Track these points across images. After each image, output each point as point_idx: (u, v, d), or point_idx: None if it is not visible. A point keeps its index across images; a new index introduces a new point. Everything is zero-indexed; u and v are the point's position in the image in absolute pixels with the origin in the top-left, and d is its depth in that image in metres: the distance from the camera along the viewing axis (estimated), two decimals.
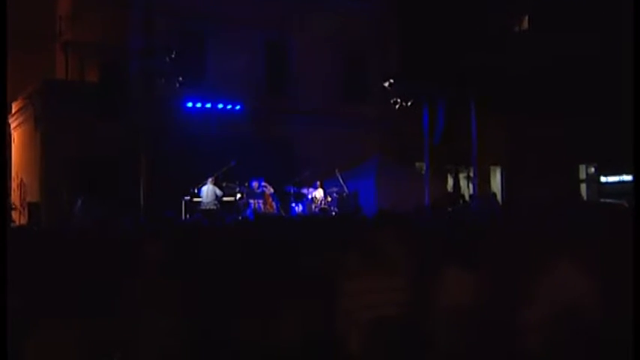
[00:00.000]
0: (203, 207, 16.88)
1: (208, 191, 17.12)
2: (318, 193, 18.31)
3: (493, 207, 16.54)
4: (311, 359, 3.85)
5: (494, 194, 22.88)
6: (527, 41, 23.69)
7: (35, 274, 3.80)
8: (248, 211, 16.83)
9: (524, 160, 23.43)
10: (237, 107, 20.00)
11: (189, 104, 19.27)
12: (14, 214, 18.34)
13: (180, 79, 17.53)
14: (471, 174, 22.01)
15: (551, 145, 22.32)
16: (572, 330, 3.45)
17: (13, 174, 21.13)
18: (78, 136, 17.79)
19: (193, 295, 3.94)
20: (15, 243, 4.15)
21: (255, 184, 17.38)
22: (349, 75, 23.44)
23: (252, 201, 17.18)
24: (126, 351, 3.76)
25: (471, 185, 22.65)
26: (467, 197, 22.34)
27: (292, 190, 18.25)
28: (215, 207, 16.93)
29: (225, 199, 17.35)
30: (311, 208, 17.99)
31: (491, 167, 25.35)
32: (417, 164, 22.67)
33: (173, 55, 17.06)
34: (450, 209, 15.58)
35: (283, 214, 17.12)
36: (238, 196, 17.39)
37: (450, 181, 24.36)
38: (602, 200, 20.20)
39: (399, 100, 19.54)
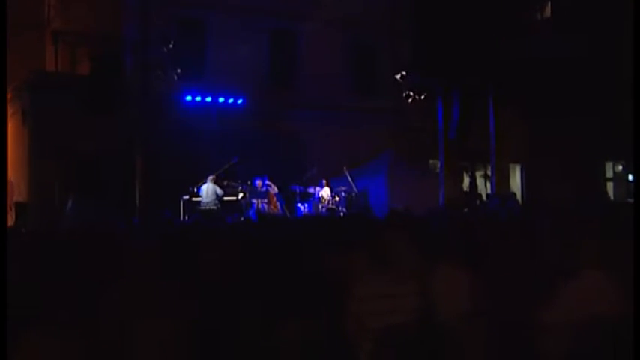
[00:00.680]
0: (203, 207, 16.91)
1: (208, 190, 17.15)
2: (325, 193, 18.31)
3: (512, 207, 16.49)
4: None
5: (514, 194, 22.78)
6: (550, 30, 23.59)
7: (23, 278, 3.82)
8: (251, 212, 16.85)
9: (546, 158, 23.30)
10: (240, 101, 19.98)
11: (188, 98, 19.27)
12: None
13: (179, 70, 17.56)
14: (489, 172, 21.96)
15: (576, 142, 22.22)
16: (594, 335, 3.45)
17: None
18: (69, 131, 17.70)
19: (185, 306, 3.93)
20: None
21: (258, 182, 17.39)
22: (359, 67, 23.30)
23: (255, 201, 17.21)
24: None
25: (488, 184, 22.60)
26: (484, 197, 22.28)
27: (298, 190, 18.28)
28: (216, 207, 16.96)
29: (226, 198, 17.37)
30: (318, 208, 18.00)
31: (511, 165, 25.25)
32: (431, 162, 22.61)
33: (171, 46, 17.11)
34: (466, 210, 15.56)
35: (288, 215, 17.15)
36: (240, 195, 17.43)
37: (466, 180, 24.29)
38: (628, 200, 20.13)
39: (411, 94, 19.55)
